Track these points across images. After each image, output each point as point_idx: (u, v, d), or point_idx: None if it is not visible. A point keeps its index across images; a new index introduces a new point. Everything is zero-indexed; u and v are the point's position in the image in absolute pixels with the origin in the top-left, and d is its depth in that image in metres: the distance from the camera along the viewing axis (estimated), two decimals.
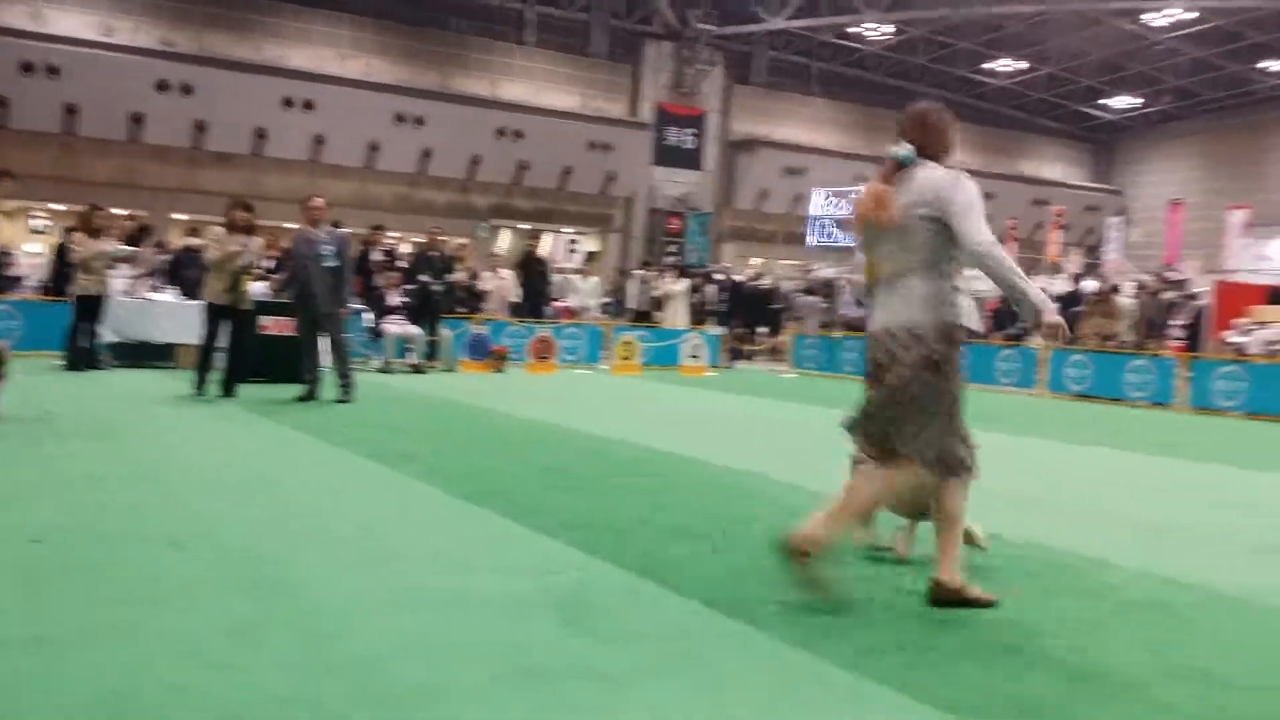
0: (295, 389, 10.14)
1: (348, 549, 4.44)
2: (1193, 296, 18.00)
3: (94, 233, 12.16)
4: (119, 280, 13.07)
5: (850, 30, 31.46)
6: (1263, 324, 16.08)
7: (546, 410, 10.42)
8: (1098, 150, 41.76)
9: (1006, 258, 3.78)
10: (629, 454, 7.67)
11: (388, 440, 7.83)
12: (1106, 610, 4.03)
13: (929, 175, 3.88)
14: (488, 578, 4.07)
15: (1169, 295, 18.18)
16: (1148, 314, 17.73)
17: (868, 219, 3.90)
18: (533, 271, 18.72)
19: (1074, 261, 28.20)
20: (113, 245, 12.51)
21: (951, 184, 3.83)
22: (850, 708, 2.92)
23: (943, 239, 3.83)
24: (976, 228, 3.75)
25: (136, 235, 15.48)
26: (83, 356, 11.81)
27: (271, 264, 13.92)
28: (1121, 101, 37.86)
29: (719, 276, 22.81)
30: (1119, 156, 41.31)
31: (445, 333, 15.49)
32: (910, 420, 3.84)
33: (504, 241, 28.66)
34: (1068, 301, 19.15)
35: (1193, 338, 16.97)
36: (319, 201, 10.41)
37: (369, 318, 14.89)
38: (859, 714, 2.88)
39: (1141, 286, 18.85)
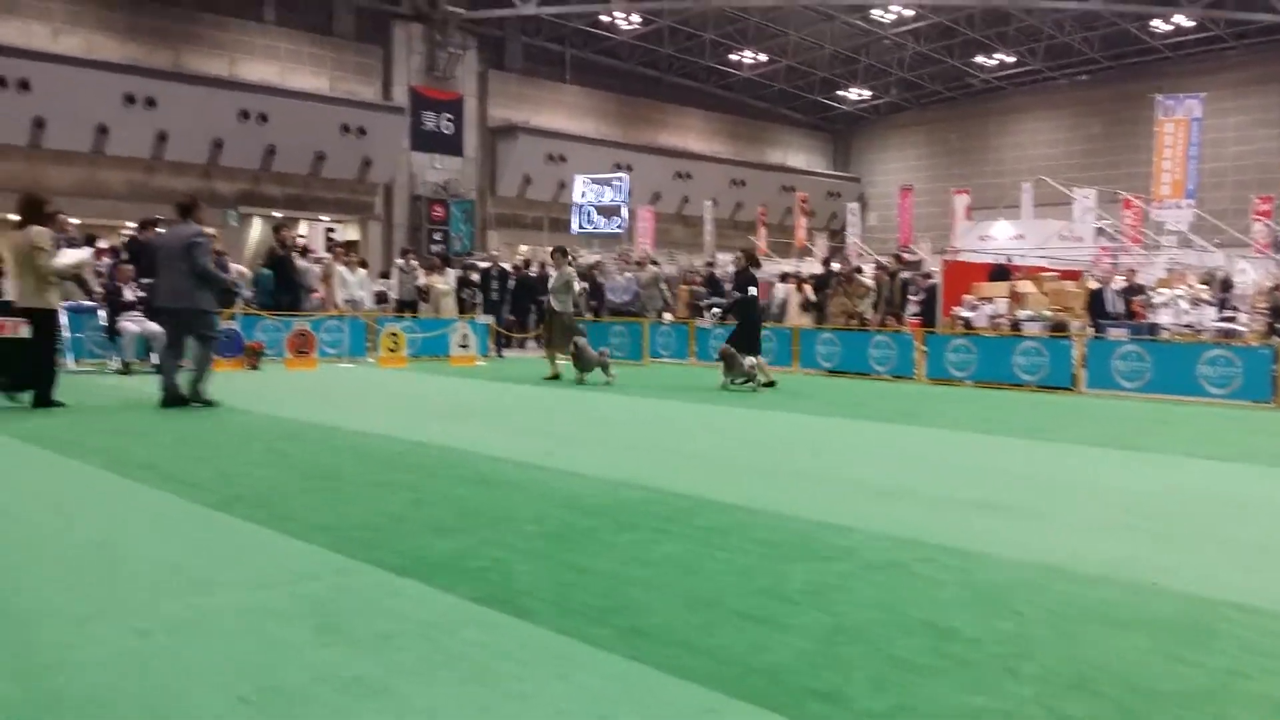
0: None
1: (76, 570, 4.08)
2: (927, 276, 19.40)
3: None
4: None
5: (602, 19, 31.88)
6: (987, 299, 17.55)
7: (306, 408, 9.99)
8: (836, 139, 44.33)
9: None
10: (391, 449, 7.46)
11: (128, 448, 7.28)
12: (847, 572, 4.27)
13: None
14: (233, 591, 3.84)
15: (905, 275, 19.52)
16: (887, 293, 18.95)
17: None
18: (286, 262, 17.83)
19: (820, 246, 29.84)
20: None
21: None
22: (621, 690, 2.95)
23: None
24: None
25: None
26: None
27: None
28: (855, 93, 40.33)
29: (484, 264, 22.60)
30: (855, 145, 44.05)
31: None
32: None
33: (255, 230, 27.33)
34: (819, 284, 20.23)
35: (928, 314, 18.29)
36: None
37: (104, 315, 13.75)
38: (631, 697, 2.91)
39: (880, 267, 20.15)
